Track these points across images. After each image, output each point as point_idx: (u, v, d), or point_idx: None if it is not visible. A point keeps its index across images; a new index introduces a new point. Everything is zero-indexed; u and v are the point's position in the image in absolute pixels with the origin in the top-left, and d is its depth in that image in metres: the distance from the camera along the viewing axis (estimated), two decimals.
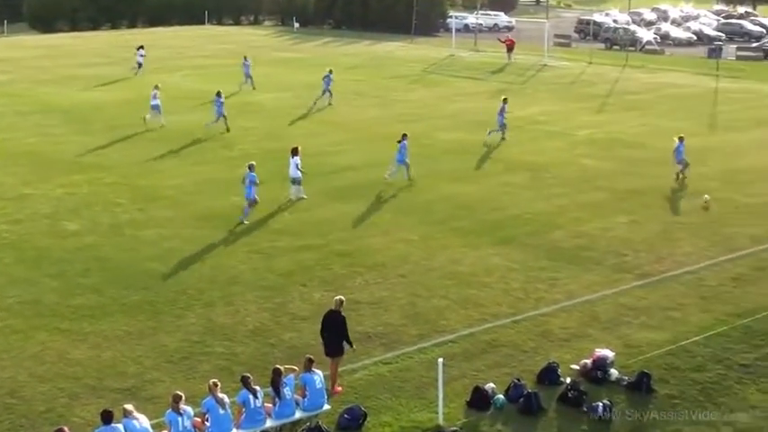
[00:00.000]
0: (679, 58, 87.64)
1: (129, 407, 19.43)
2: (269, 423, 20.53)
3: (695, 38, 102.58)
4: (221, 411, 19.68)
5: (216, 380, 20.19)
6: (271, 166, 41.96)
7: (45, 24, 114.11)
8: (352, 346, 22.97)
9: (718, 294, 28.38)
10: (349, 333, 22.82)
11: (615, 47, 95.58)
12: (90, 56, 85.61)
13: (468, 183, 40.62)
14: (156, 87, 53.35)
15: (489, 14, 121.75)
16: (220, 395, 19.81)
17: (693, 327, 25.96)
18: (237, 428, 20.03)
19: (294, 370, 21.23)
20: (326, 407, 21.28)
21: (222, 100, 51.26)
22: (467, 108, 59.03)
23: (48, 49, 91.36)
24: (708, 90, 67.83)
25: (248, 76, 65.96)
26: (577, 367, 23.42)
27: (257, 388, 20.31)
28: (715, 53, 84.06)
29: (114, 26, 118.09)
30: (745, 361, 23.97)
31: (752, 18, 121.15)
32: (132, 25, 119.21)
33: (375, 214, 36.25)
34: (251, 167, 35.39)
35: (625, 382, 22.78)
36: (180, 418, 19.25)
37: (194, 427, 19.63)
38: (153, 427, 19.59)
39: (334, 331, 22.64)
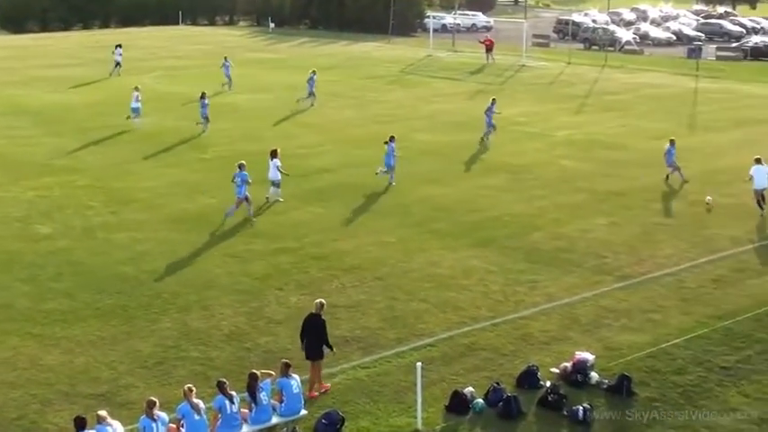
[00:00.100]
0: (658, 59, 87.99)
1: (102, 413, 19.35)
2: (245, 429, 20.48)
3: (675, 38, 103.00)
4: (196, 417, 19.62)
5: (191, 385, 20.15)
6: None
7: (15, 25, 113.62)
8: (332, 350, 22.99)
9: (698, 296, 28.51)
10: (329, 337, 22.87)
11: (594, 47, 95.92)
12: (61, 57, 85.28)
13: (445, 184, 40.66)
14: (137, 89, 53.27)
15: (467, 14, 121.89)
16: (196, 400, 19.76)
17: (674, 329, 26.06)
18: None
19: (271, 375, 21.20)
20: (303, 412, 21.25)
21: (207, 102, 51.26)
22: (444, 109, 59.11)
23: (17, 50, 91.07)
24: (687, 90, 68.13)
25: (228, 76, 65.97)
26: (557, 370, 23.47)
27: (233, 393, 20.28)
28: (694, 53, 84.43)
29: (86, 26, 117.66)
30: (725, 363, 24.07)
31: (731, 18, 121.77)
32: (104, 25, 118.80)
33: (352, 216, 36.24)
34: (241, 167, 35.42)
35: (605, 386, 22.83)
36: (154, 424, 19.17)
37: None
38: None
39: (315, 335, 22.64)
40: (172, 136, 49.99)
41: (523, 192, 39.65)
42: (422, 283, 29.44)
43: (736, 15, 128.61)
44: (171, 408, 20.39)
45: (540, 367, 23.45)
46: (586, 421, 21.33)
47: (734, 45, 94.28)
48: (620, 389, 22.54)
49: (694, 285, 29.38)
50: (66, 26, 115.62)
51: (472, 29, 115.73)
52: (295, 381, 21.15)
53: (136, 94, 52.79)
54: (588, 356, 23.64)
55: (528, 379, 22.99)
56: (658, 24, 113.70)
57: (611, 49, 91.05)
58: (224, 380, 20.50)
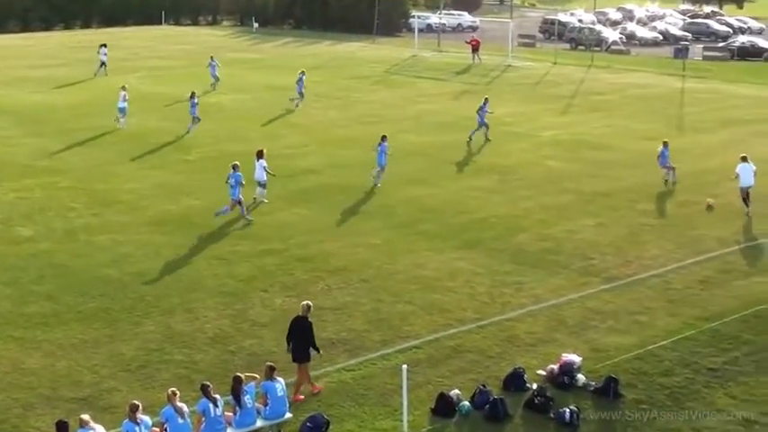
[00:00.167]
0: (645, 59, 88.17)
1: (85, 417, 19.31)
2: None
3: (661, 38, 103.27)
4: (180, 421, 19.60)
5: (175, 388, 20.12)
6: (225, 170, 41.81)
7: None
8: (319, 353, 23.00)
9: (685, 297, 28.58)
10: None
11: (580, 47, 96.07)
12: (43, 57, 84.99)
13: (431, 185, 40.68)
14: (124, 88, 53.22)
15: (453, 14, 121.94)
16: (179, 404, 19.73)
17: (661, 331, 26.12)
18: None
19: (255, 378, 21.18)
20: (288, 415, 21.24)
21: (196, 101, 51.25)
22: (430, 109, 59.14)
23: None
24: (674, 90, 68.28)
25: (215, 76, 65.95)
26: (544, 373, 23.50)
27: (217, 396, 20.24)
28: (681, 53, 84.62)
29: (67, 26, 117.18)
30: (712, 365, 24.14)
31: (718, 18, 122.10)
32: (86, 25, 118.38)
33: (337, 218, 36.23)
34: (235, 167, 35.44)
35: (592, 388, 22.87)
36: (137, 428, 19.13)
37: None
38: None
39: (301, 337, 22.64)
40: (155, 137, 49.91)
41: (510, 193, 39.71)
42: (408, 285, 29.45)
43: (722, 15, 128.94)
44: (154, 411, 20.36)
45: (527, 369, 23.48)
46: (573, 424, 21.36)
47: (721, 45, 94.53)
48: (607, 391, 22.57)
49: (681, 287, 29.46)
50: (48, 26, 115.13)
51: (458, 29, 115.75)
52: (280, 384, 21.13)
53: (123, 93, 52.78)
54: (575, 358, 23.68)
55: (514, 381, 23.01)
56: (645, 24, 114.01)
57: (598, 49, 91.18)
58: (208, 383, 20.45)
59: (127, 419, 19.31)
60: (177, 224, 35.36)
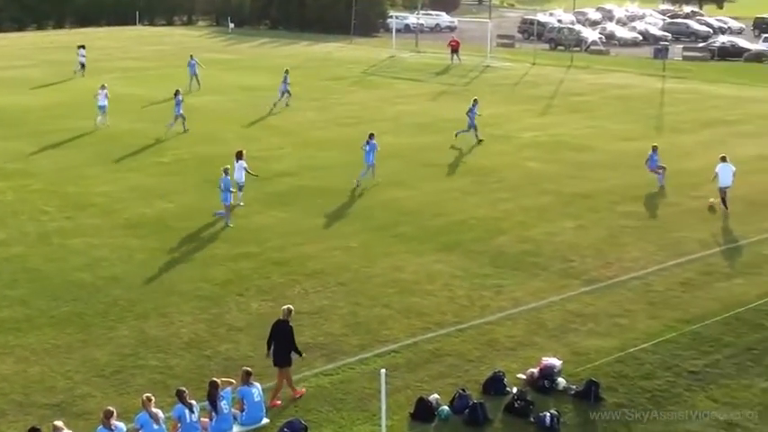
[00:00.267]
0: (625, 59, 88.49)
1: (58, 423, 19.24)
2: None
3: (641, 38, 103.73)
4: (155, 427, 19.53)
5: (150, 394, 20.06)
6: (205, 172, 41.87)
7: None
8: (301, 356, 23.01)
9: (666, 300, 28.65)
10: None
11: (560, 47, 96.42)
12: (15, 58, 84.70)
13: (410, 187, 40.68)
14: (103, 87, 53.19)
15: (431, 14, 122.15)
16: (154, 410, 19.66)
17: (642, 333, 26.17)
18: None
19: (231, 383, 21.14)
20: (265, 420, 21.22)
21: (180, 99, 51.26)
22: (408, 111, 59.18)
23: None
24: (654, 91, 68.52)
25: (195, 75, 65.87)
26: (524, 376, 23.51)
27: (193, 402, 20.19)
28: (661, 53, 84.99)
29: (40, 27, 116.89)
30: (693, 368, 24.20)
31: (698, 18, 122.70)
32: (59, 26, 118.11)
33: (314, 221, 36.17)
34: (226, 171, 35.33)
35: (573, 391, 22.89)
36: None
37: None
38: None
39: (282, 341, 22.60)
40: (129, 139, 49.78)
41: (489, 194, 39.74)
42: (386, 289, 29.42)
43: (702, 15, 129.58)
44: (129, 418, 20.28)
45: (507, 373, 23.48)
46: (554, 428, 21.37)
47: (701, 45, 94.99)
48: (588, 394, 22.60)
49: (662, 289, 29.52)
50: (20, 26, 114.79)
51: (436, 29, 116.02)
52: (256, 389, 21.10)
53: (103, 92, 52.84)
54: (555, 362, 23.70)
55: (494, 385, 23.01)
56: (624, 24, 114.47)
57: (577, 49, 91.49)
58: (183, 388, 20.41)
59: (101, 426, 19.24)
60: (152, 227, 35.26)
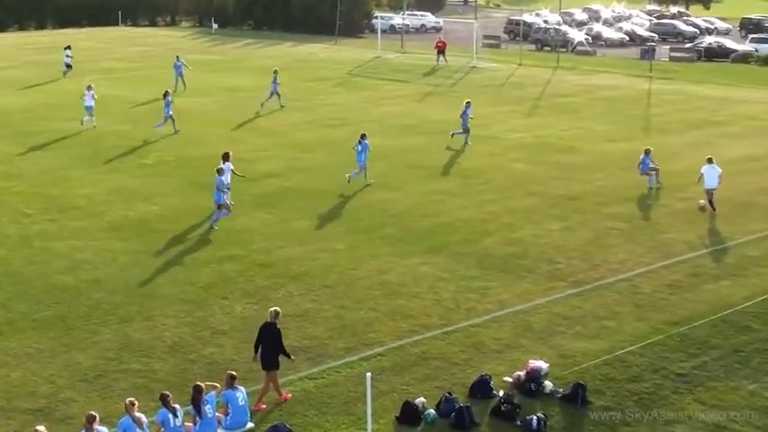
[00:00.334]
0: (611, 60, 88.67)
1: (41, 428, 19.15)
2: None
3: (627, 38, 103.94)
4: (139, 431, 19.49)
5: (133, 399, 19.99)
6: (187, 174, 41.88)
7: None
8: (290, 358, 23.01)
9: (653, 302, 28.69)
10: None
11: (546, 48, 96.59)
12: None
13: (396, 189, 40.67)
14: (90, 88, 53.19)
15: (416, 15, 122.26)
16: (138, 414, 19.62)
17: (629, 336, 26.20)
18: None
19: (215, 387, 21.09)
20: (250, 425, 21.18)
21: (170, 99, 51.29)
22: (394, 112, 59.20)
23: None
24: (640, 92, 68.68)
25: (180, 76, 65.83)
26: (510, 379, 23.51)
27: (177, 406, 20.14)
28: (648, 54, 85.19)
29: (22, 27, 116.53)
30: (681, 370, 24.23)
31: (685, 18, 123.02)
32: (41, 26, 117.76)
33: (299, 223, 36.14)
34: (219, 171, 35.43)
35: (560, 395, 22.90)
36: None
37: None
38: None
39: (270, 344, 22.57)
40: (112, 140, 49.71)
41: (475, 196, 39.76)
42: (371, 291, 29.41)
43: (689, 16, 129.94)
44: (112, 422, 20.23)
45: (493, 376, 23.49)
46: (541, 431, 21.38)
47: (687, 46, 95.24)
48: (575, 398, 22.61)
49: (649, 291, 29.56)
50: (1, 27, 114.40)
51: (421, 29, 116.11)
52: (241, 393, 21.06)
53: (90, 92, 52.83)
54: (542, 365, 23.71)
55: (480, 388, 23.02)
56: (611, 25, 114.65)
57: (564, 50, 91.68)
58: (167, 393, 20.35)
59: (84, 430, 19.18)
60: (135, 230, 35.19)
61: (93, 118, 52.76)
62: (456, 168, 44.54)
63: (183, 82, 65.89)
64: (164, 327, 26.73)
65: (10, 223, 35.94)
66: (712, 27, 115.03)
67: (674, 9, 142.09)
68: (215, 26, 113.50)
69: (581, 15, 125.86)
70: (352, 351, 25.33)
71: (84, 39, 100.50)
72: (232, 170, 37.51)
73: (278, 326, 22.81)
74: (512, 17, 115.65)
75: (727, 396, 22.98)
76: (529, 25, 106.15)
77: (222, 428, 20.83)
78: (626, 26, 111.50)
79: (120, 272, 30.96)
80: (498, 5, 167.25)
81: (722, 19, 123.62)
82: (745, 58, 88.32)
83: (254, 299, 28.58)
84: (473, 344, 25.81)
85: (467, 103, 50.33)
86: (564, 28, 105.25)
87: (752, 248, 33.56)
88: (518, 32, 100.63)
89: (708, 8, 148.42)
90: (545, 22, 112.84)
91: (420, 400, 22.27)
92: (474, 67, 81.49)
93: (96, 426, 19.12)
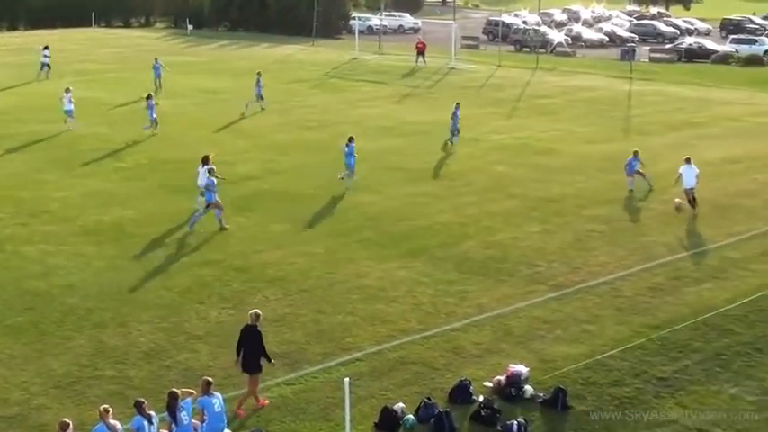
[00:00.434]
0: (591, 61, 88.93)
1: None
2: None
3: (607, 39, 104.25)
4: None
5: (107, 405, 19.84)
6: (162, 177, 41.78)
7: None
8: (270, 361, 22.90)
9: (634, 305, 28.73)
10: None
11: (525, 49, 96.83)
12: None
13: (374, 192, 40.64)
14: (68, 90, 53.10)
15: (394, 15, 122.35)
16: (112, 422, 19.50)
17: (610, 339, 26.24)
18: None
19: (191, 393, 21.01)
20: (227, 431, 21.10)
21: (153, 103, 51.23)
22: (371, 114, 59.19)
23: None
24: (620, 93, 68.89)
25: (159, 77, 65.74)
26: (490, 384, 23.52)
27: (152, 413, 20.04)
28: (628, 55, 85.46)
29: None
30: (662, 374, 24.28)
31: (665, 19, 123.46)
32: (13, 27, 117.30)
33: (276, 226, 36.07)
34: (210, 172, 35.48)
35: (540, 399, 22.92)
36: None
37: None
38: None
39: (251, 347, 22.52)
40: (86, 143, 49.55)
41: (454, 199, 39.76)
42: (349, 296, 29.37)
43: (669, 16, 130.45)
44: (86, 430, 20.16)
45: (473, 381, 23.49)
46: None
47: (668, 47, 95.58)
48: (556, 402, 22.63)
49: (630, 294, 29.62)
50: None
51: (399, 30, 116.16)
52: (217, 399, 20.97)
53: (68, 95, 52.72)
54: (522, 369, 23.73)
55: (460, 393, 23.01)
56: (590, 25, 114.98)
57: (543, 51, 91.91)
58: (142, 399, 20.23)
59: None
60: (109, 234, 35.05)
61: (73, 120, 52.68)
62: (435, 171, 44.55)
63: (160, 84, 65.74)
64: (138, 332, 26.63)
65: None
66: (692, 28, 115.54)
67: (653, 10, 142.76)
68: (190, 27, 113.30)
69: (560, 16, 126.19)
70: (330, 356, 25.28)
71: (57, 40, 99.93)
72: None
73: (259, 328, 22.75)
74: (491, 18, 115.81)
75: (709, 400, 23.04)
76: (508, 26, 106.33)
77: None
78: (606, 27, 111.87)
79: (94, 277, 30.83)
80: (477, 6, 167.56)
81: (702, 20, 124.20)
82: (725, 59, 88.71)
83: (231, 303, 28.50)
84: (452, 348, 25.80)
85: (456, 104, 50.35)
86: (543, 29, 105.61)
87: (733, 251, 33.67)
88: (497, 33, 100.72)
89: (688, 9, 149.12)
90: (524, 22, 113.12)
91: (399, 406, 22.24)
92: (453, 68, 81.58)
93: None
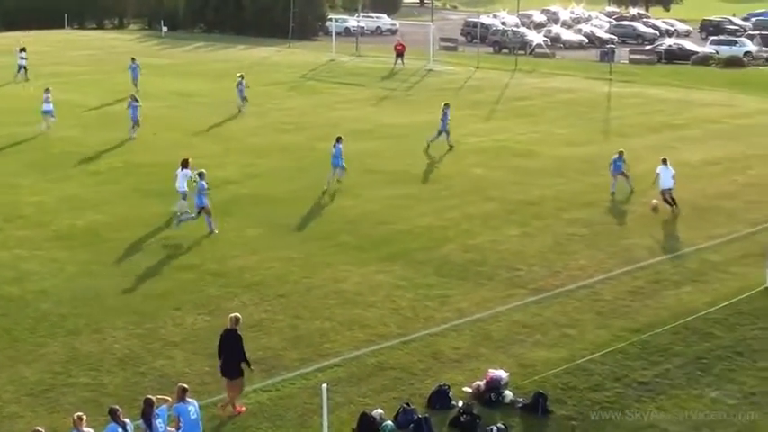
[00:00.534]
0: (570, 62, 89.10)
1: None
2: None
3: (587, 41, 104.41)
4: None
5: (81, 413, 19.79)
6: (138, 181, 41.65)
7: None
8: (249, 367, 22.84)
9: (615, 309, 28.79)
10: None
11: (504, 50, 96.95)
12: None
13: (352, 196, 40.62)
14: (47, 90, 53.01)
15: (371, 17, 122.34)
16: (86, 429, 19.44)
17: (590, 344, 26.28)
18: None
19: (167, 400, 20.94)
20: None
21: (137, 104, 51.19)
22: (349, 116, 59.14)
23: None
24: (600, 95, 69.04)
25: (136, 79, 65.58)
26: (470, 389, 23.53)
27: (127, 421, 19.97)
28: (607, 56, 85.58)
29: None
30: (643, 378, 24.34)
31: (644, 20, 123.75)
32: None
33: (252, 230, 36.00)
34: (201, 175, 35.33)
35: (520, 404, 22.94)
36: None
37: None
38: None
39: (231, 351, 22.48)
40: (60, 147, 49.36)
41: (433, 202, 39.76)
42: (327, 300, 29.34)
43: (649, 17, 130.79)
44: None
45: (452, 386, 23.50)
46: None
47: (647, 48, 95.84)
48: (536, 407, 22.65)
49: (610, 297, 29.68)
50: None
51: (377, 32, 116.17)
52: (193, 406, 20.90)
53: (46, 95, 52.70)
54: (502, 374, 23.73)
55: (439, 399, 23.01)
56: (570, 27, 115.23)
57: (522, 52, 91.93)
58: (116, 407, 20.14)
59: None
60: (83, 239, 34.93)
61: (54, 120, 52.88)
62: (414, 174, 44.52)
63: (137, 85, 65.53)
64: (113, 339, 26.54)
65: None
66: (672, 29, 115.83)
67: (633, 11, 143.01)
68: (164, 29, 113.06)
69: (539, 17, 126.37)
70: (308, 362, 25.25)
71: (31, 42, 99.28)
72: (190, 177, 37.37)
73: (239, 332, 22.71)
74: (469, 19, 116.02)
75: (690, 404, 23.10)
76: (486, 27, 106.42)
77: None
78: (585, 28, 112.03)
79: (67, 282, 30.72)
80: (455, 7, 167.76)
81: (682, 21, 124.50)
82: (705, 60, 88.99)
83: (207, 309, 28.43)
84: (431, 353, 25.80)
85: (445, 105, 50.32)
86: (522, 30, 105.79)
87: (713, 254, 33.77)
88: (475, 35, 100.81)
89: (668, 10, 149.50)
90: (503, 24, 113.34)
91: (377, 412, 22.23)
92: (431, 70, 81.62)
93: None
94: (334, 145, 41.36)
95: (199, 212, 35.53)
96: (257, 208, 38.70)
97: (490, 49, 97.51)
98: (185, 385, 21.23)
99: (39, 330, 27.03)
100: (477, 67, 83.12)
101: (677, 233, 36.30)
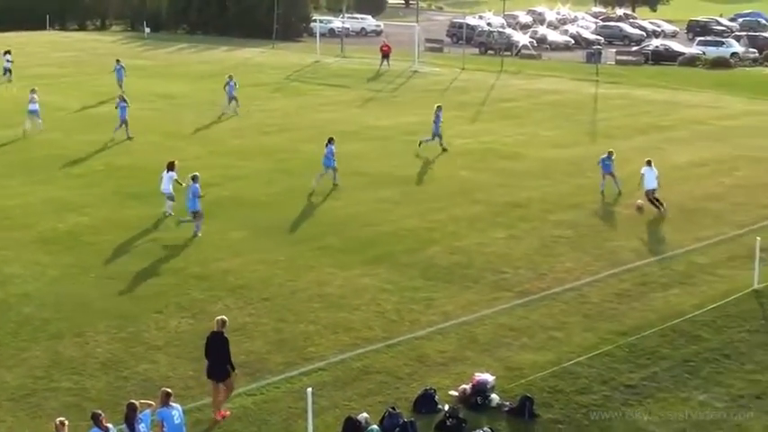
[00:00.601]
0: (556, 63, 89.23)
1: None
2: None
3: (573, 42, 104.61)
4: None
5: (63, 418, 19.72)
6: (120, 184, 41.58)
7: None
8: (233, 370, 22.81)
9: (601, 312, 28.83)
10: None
11: (490, 51, 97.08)
12: None
13: (336, 198, 40.63)
14: (33, 91, 52.99)
15: (356, 18, 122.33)
16: None
17: (577, 347, 26.31)
18: None
19: (150, 405, 20.91)
20: None
21: (125, 105, 51.16)
22: (333, 118, 59.11)
23: None
24: (587, 96, 69.16)
25: (120, 80, 65.49)
26: (456, 393, 23.54)
27: (110, 426, 19.92)
28: (594, 57, 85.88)
29: None
30: (630, 381, 24.37)
31: (631, 21, 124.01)
32: None
33: (235, 234, 35.96)
34: (194, 178, 35.25)
35: (506, 408, 22.95)
36: None
37: None
38: None
39: (217, 354, 22.46)
40: (41, 149, 49.27)
41: (418, 204, 39.78)
42: (311, 304, 29.32)
43: (635, 18, 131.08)
44: None
45: (438, 390, 23.50)
46: None
47: (634, 49, 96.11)
48: (522, 411, 22.67)
49: (597, 300, 29.72)
50: None
51: (362, 33, 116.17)
52: (177, 411, 20.87)
53: (32, 95, 52.63)
54: (488, 378, 23.76)
55: (425, 403, 23.01)
56: (556, 28, 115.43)
57: (508, 53, 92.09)
58: (99, 412, 20.10)
59: None
60: (65, 242, 34.86)
61: (41, 121, 52.78)
62: (399, 176, 44.52)
63: (122, 86, 65.43)
64: (95, 343, 26.49)
65: None
66: (659, 30, 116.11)
67: (619, 11, 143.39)
68: (147, 30, 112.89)
69: (525, 18, 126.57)
70: (292, 366, 25.23)
71: (10, 44, 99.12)
72: (175, 179, 37.35)
73: (225, 335, 22.69)
74: (454, 20, 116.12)
75: (677, 407, 23.14)
76: (472, 28, 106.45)
77: None
78: (571, 29, 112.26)
79: (49, 286, 30.65)
80: (441, 8, 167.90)
81: (669, 21, 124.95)
82: (692, 61, 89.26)
83: (190, 312, 28.40)
84: (417, 357, 25.81)
85: (438, 107, 50.29)
86: (508, 31, 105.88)
87: (700, 256, 33.85)
88: (461, 36, 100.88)
89: (654, 10, 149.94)
90: (488, 24, 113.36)
91: (363, 416, 22.22)
92: (416, 71, 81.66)
93: None
94: (326, 145, 41.37)
95: (195, 216, 35.50)
96: (241, 210, 38.67)
97: (476, 51, 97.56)
98: (169, 390, 21.18)
99: (21, 334, 26.96)
100: (463, 69, 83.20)
101: (664, 235, 36.40)
